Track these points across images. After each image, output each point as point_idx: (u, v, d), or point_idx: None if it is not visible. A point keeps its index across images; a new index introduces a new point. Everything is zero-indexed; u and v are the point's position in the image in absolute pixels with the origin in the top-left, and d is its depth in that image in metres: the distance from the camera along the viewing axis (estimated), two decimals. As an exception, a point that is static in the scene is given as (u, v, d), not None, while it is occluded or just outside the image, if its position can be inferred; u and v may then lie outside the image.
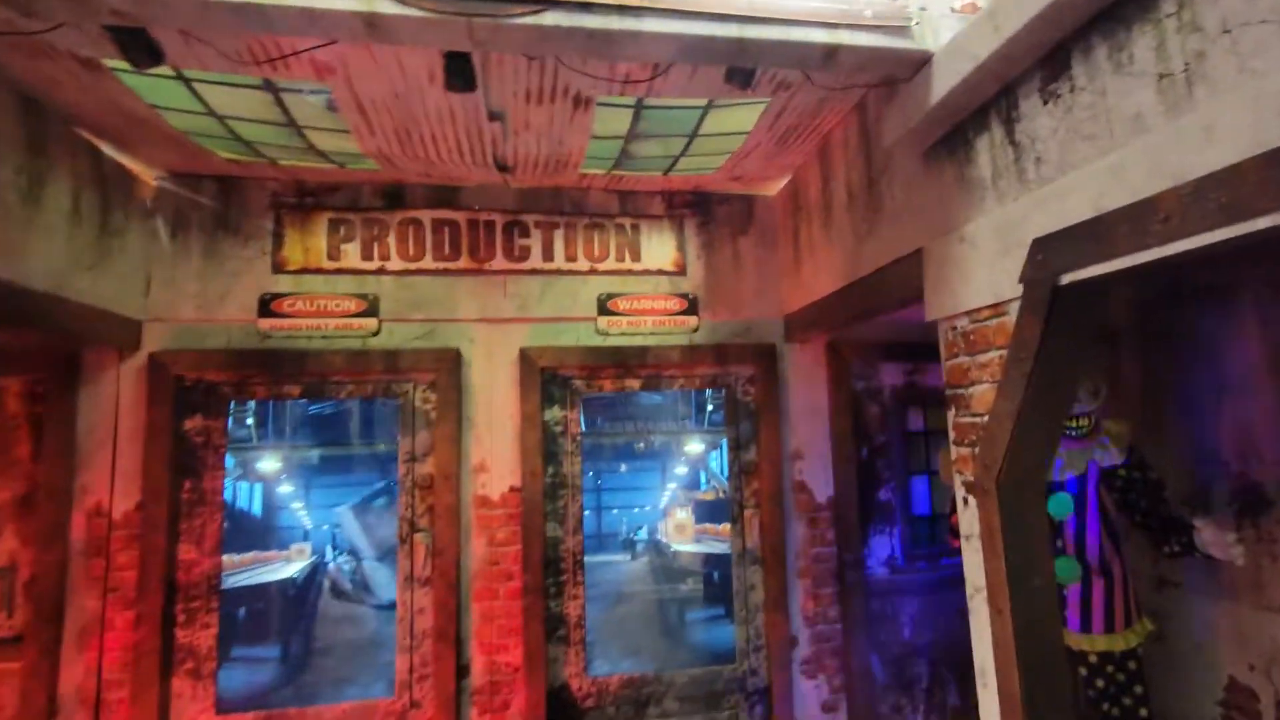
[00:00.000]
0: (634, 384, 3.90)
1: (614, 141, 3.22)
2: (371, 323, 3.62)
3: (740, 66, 2.37)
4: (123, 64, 2.36)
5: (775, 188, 4.01)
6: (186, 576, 3.38)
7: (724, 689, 3.79)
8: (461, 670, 3.58)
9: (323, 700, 4.74)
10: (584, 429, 4.52)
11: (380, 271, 3.67)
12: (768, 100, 2.85)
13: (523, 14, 2.02)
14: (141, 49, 2.22)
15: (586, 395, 3.89)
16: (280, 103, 2.77)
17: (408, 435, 3.65)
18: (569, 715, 3.65)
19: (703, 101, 2.84)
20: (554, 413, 3.82)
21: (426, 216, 3.76)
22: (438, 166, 3.47)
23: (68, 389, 3.26)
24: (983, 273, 2.16)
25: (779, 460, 3.89)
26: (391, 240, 3.70)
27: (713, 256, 4.02)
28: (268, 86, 2.64)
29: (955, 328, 2.36)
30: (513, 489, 3.70)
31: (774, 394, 3.92)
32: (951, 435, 2.39)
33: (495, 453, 3.70)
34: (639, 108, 2.88)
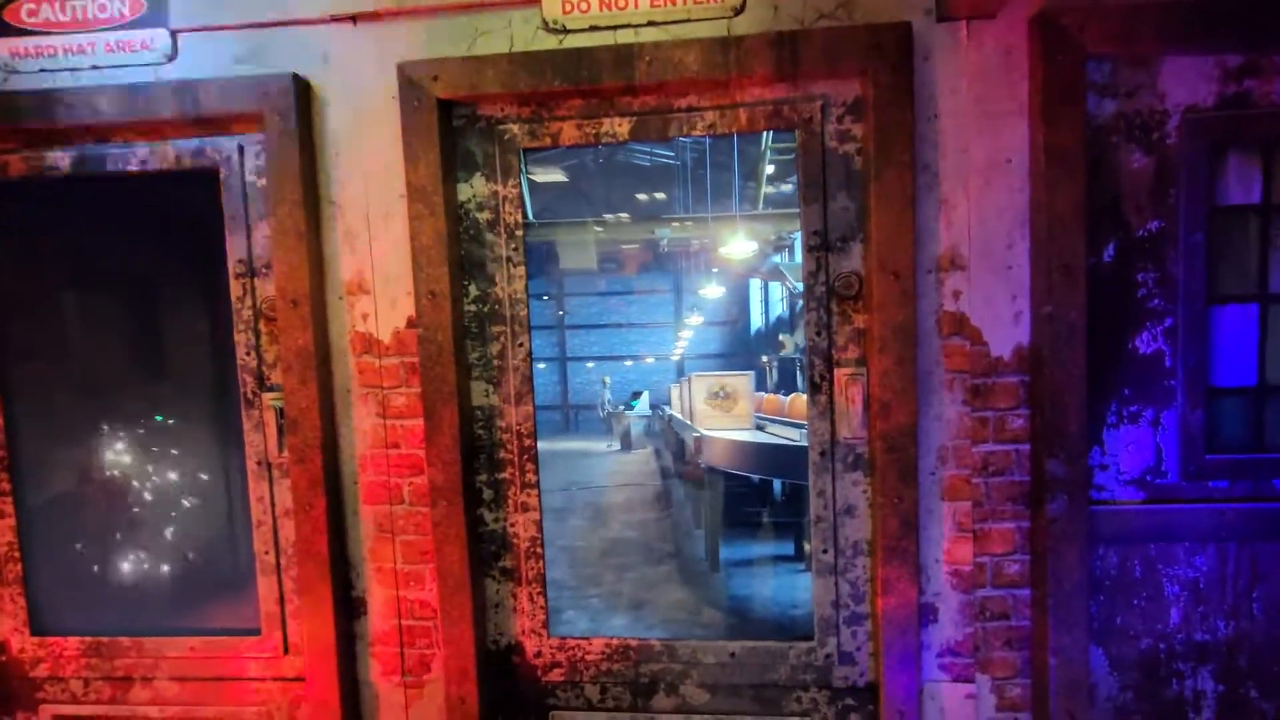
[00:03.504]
0: (619, 126, 2.06)
1: None
2: (159, 37, 2.10)
3: None
4: None
5: None
6: (-35, 444, 2.30)
7: (790, 680, 2.12)
8: (349, 607, 2.25)
9: (167, 628, 2.47)
10: (529, 217, 2.78)
11: (173, -54, 2.10)
12: None
13: None
14: None
15: (531, 151, 2.14)
16: None
17: (237, 231, 2.18)
18: (521, 693, 2.22)
19: None
20: (473, 186, 2.13)
21: None
22: None
23: None
24: None
25: (910, 271, 1.91)
26: (187, -114, 2.07)
27: None
28: None
29: None
30: (410, 323, 2.14)
31: (905, 134, 1.89)
32: None
33: (380, 262, 2.14)
34: None
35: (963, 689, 2.05)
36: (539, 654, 2.22)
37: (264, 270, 2.18)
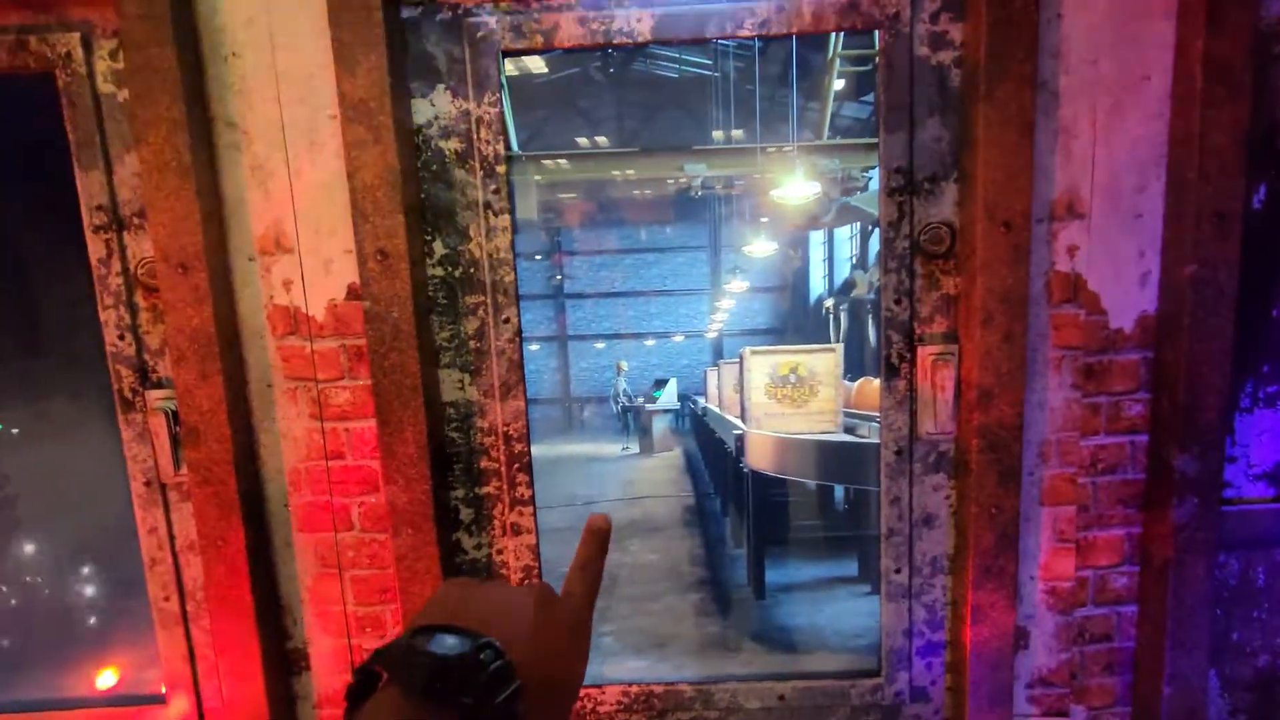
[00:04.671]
0: (638, 21, 1.50)
1: None
2: None
3: None
4: None
5: None
6: None
7: (848, 723, 1.74)
8: (284, 662, 1.73)
9: (36, 700, 1.83)
10: (514, 147, 2.23)
11: None
12: None
13: None
14: None
15: (514, 54, 1.58)
16: None
17: (91, 165, 1.54)
18: (515, 755, 1.77)
19: None
20: (434, 104, 1.55)
21: None
22: None
23: None
24: None
25: (1025, 221, 1.47)
26: None
27: None
28: None
29: None
30: (352, 294, 1.57)
31: (1027, 36, 1.42)
32: None
33: (306, 208, 1.55)
34: None
35: (1054, 724, 1.72)
36: (538, 708, 1.77)
37: (135, 221, 1.55)
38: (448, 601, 0.46)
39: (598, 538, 0.54)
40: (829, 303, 8.25)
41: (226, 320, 1.54)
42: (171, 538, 1.69)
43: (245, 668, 1.66)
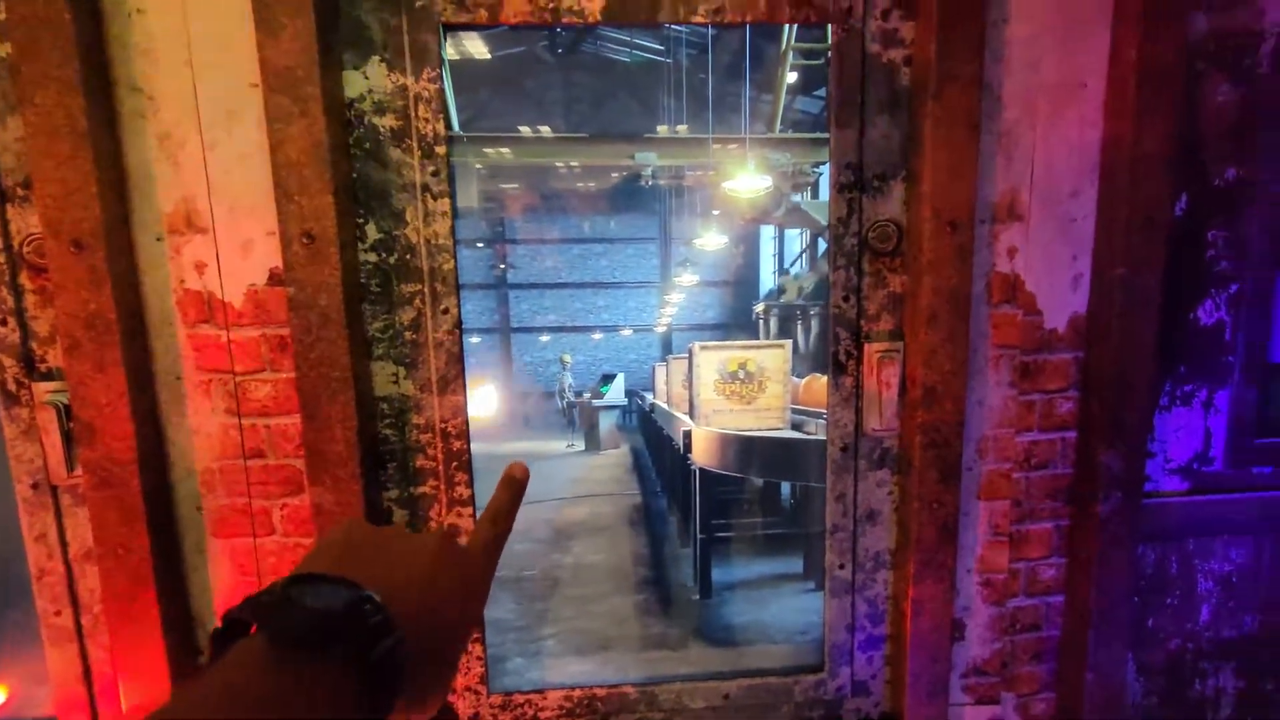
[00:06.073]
0: (590, 1, 1.44)
1: None
2: None
3: None
4: None
5: None
6: None
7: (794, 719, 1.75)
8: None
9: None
10: (454, 127, 2.14)
11: None
12: None
13: None
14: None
15: (456, 29, 1.49)
16: None
17: (-33, 126, 1.36)
18: (451, 767, 1.69)
19: None
20: (368, 77, 1.44)
21: None
22: None
23: None
24: None
25: (970, 221, 1.50)
26: None
27: None
28: None
29: None
30: (274, 279, 1.45)
31: (974, 38, 1.43)
32: None
33: (222, 183, 1.41)
34: None
35: (986, 711, 1.77)
36: (476, 718, 1.69)
37: (20, 193, 1.39)
38: (334, 547, 0.44)
39: (513, 487, 0.53)
40: (759, 308, 8.13)
41: (129, 305, 1.39)
42: (64, 545, 1.52)
43: (150, 688, 1.52)
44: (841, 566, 1.68)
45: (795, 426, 3.88)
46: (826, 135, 1.58)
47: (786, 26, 4.18)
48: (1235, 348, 1.67)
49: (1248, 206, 1.60)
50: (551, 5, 1.42)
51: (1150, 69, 1.45)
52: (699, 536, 3.70)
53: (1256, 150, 1.58)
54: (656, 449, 5.14)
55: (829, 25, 1.50)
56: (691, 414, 3.86)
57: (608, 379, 7.75)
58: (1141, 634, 1.79)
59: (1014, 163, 1.54)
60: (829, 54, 1.51)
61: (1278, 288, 1.67)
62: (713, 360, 3.71)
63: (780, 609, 3.43)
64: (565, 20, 1.43)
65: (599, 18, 1.44)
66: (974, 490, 1.66)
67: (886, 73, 1.51)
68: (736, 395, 3.73)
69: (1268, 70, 1.55)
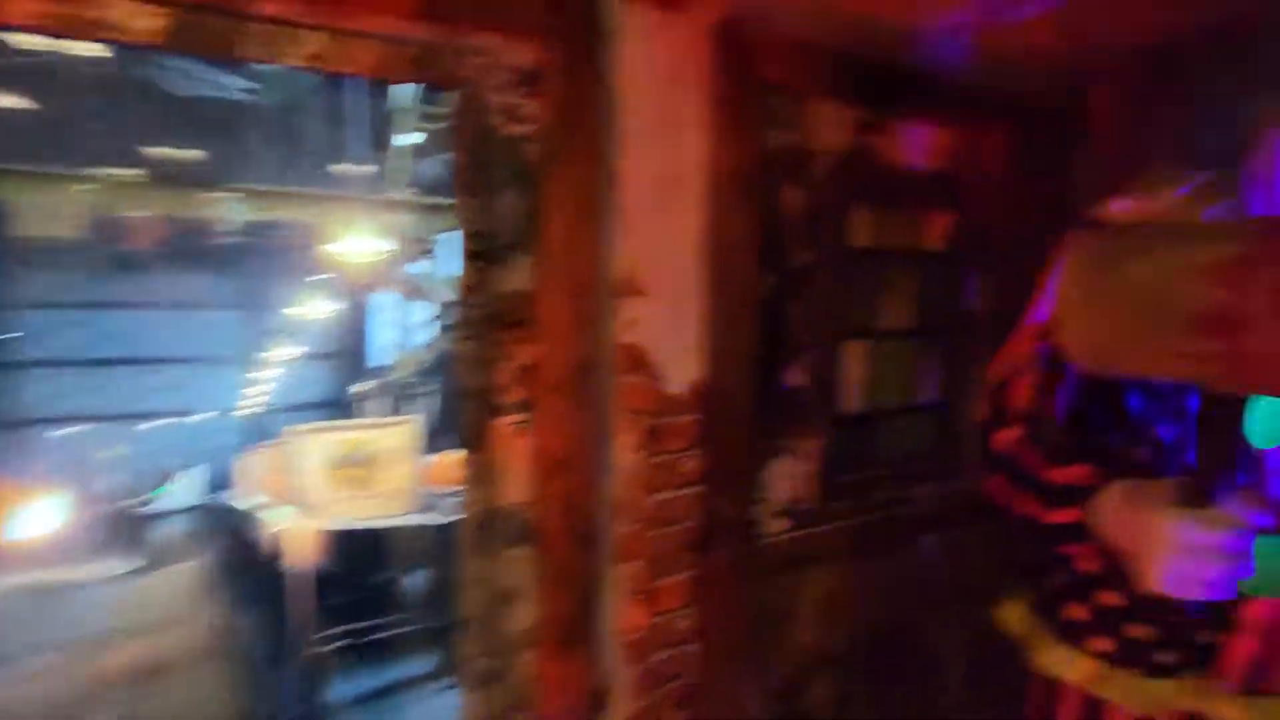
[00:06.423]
0: (142, 18, 1.18)
1: None
2: None
3: None
4: None
5: None
6: None
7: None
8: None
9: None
10: None
11: None
12: None
13: None
14: None
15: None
16: None
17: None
18: None
19: None
20: None
21: None
22: None
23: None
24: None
25: (594, 294, 1.55)
26: None
27: None
28: None
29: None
30: None
31: (594, 120, 1.51)
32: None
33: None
34: None
35: (635, 769, 1.80)
36: None
37: None
38: None
39: None
40: (358, 387, 7.11)
41: None
42: None
43: None
44: (479, 653, 1.59)
45: (429, 508, 3.63)
46: (451, 201, 1.52)
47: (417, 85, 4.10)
48: (815, 404, 1.99)
49: (812, 286, 1.93)
50: (81, 16, 1.14)
51: (735, 173, 1.68)
52: (301, 653, 3.18)
53: (818, 240, 1.92)
54: (241, 555, 4.25)
55: (455, 93, 1.46)
56: (293, 509, 3.41)
57: (167, 478, 6.41)
58: (767, 664, 2.00)
59: (633, 241, 1.65)
60: (455, 121, 1.46)
61: (837, 357, 2.04)
62: (319, 445, 3.33)
63: (419, 715, 3.08)
64: (105, 36, 1.16)
65: (161, 40, 1.20)
66: (611, 554, 1.70)
67: (512, 146, 1.51)
68: (354, 481, 3.39)
69: (820, 180, 1.91)
